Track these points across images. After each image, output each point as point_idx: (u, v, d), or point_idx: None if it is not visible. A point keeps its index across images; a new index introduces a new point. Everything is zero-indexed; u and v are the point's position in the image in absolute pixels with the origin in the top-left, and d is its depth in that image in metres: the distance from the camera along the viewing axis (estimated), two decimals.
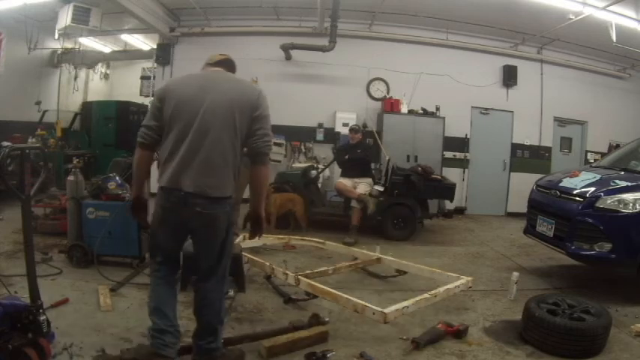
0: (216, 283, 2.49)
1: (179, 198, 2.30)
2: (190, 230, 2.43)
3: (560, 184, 4.58)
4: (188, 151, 2.29)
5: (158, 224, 2.44)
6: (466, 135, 8.94)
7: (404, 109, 8.26)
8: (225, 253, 2.48)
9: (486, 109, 9.08)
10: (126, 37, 10.40)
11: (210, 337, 2.49)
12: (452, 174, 8.15)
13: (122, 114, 9.57)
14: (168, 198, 2.34)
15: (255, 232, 2.62)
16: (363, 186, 6.38)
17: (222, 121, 2.32)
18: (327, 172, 7.86)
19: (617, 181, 4.25)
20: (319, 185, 7.53)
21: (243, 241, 4.69)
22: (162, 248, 2.49)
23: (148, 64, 9.88)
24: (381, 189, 6.47)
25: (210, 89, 2.37)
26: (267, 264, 3.97)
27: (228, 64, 2.58)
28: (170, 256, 2.51)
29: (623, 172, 4.55)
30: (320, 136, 8.71)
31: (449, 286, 3.53)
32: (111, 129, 9.37)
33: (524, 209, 5.38)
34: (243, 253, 4.06)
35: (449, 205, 7.98)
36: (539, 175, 5.77)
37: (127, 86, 11.01)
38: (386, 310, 2.92)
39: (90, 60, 10.14)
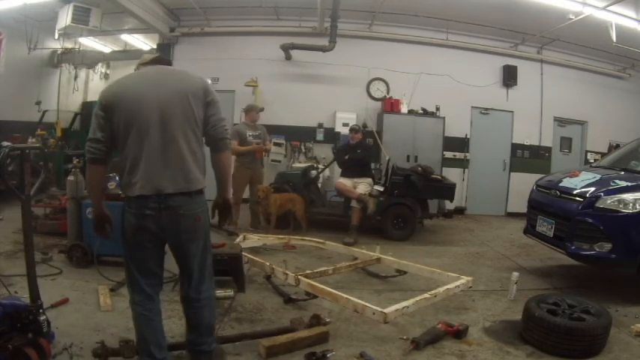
0: (208, 282, 2.47)
1: (159, 202, 2.18)
2: (171, 236, 2.27)
3: (560, 184, 4.58)
4: (154, 151, 2.18)
5: (133, 237, 2.26)
6: (466, 135, 8.94)
7: (404, 109, 8.26)
8: (209, 250, 2.46)
9: (486, 109, 9.07)
10: (126, 37, 10.40)
11: (210, 338, 2.49)
12: (452, 174, 8.14)
13: None
14: (146, 205, 2.18)
15: (225, 218, 2.55)
16: (363, 186, 6.38)
17: (181, 111, 2.22)
18: (327, 172, 7.86)
19: (617, 181, 4.25)
20: (319, 185, 7.53)
21: (243, 241, 4.70)
22: (142, 262, 2.30)
23: None
24: (381, 189, 6.47)
25: (160, 83, 2.26)
26: (267, 264, 3.97)
27: (163, 61, 2.48)
28: (151, 270, 2.34)
29: (623, 172, 4.55)
30: (320, 136, 8.70)
31: (449, 286, 3.54)
32: None
33: (524, 209, 5.38)
34: (243, 253, 4.07)
35: (449, 205, 7.98)
36: (539, 175, 5.76)
37: None
38: (386, 310, 2.92)
39: (90, 60, 10.12)
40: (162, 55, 2.53)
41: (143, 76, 2.35)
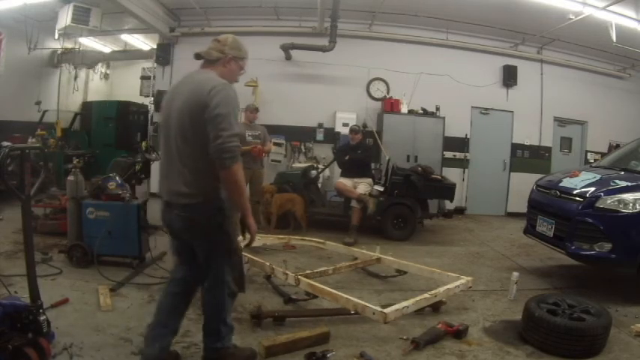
0: (210, 285, 2.49)
1: (164, 203, 2.45)
2: (175, 231, 2.49)
3: (560, 184, 4.58)
4: (163, 161, 2.45)
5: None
6: (466, 135, 8.94)
7: (404, 109, 8.26)
8: (214, 256, 2.41)
9: (486, 109, 9.07)
10: (126, 37, 10.40)
11: (212, 337, 2.52)
12: (452, 174, 8.14)
13: (122, 114, 9.61)
14: (161, 202, 2.49)
15: (242, 232, 2.45)
16: (363, 186, 6.38)
17: (176, 128, 2.29)
18: (327, 172, 7.86)
19: (617, 181, 4.25)
20: (319, 185, 7.53)
21: (243, 241, 4.69)
22: (174, 246, 2.61)
23: (148, 64, 9.89)
24: (381, 189, 6.47)
25: (176, 95, 2.36)
26: (267, 264, 3.97)
27: (201, 57, 2.50)
28: (181, 255, 2.58)
29: (623, 172, 4.55)
30: (320, 136, 8.70)
31: (449, 286, 3.54)
32: (111, 129, 9.39)
33: (524, 209, 5.38)
34: (243, 253, 4.06)
35: (449, 205, 7.96)
36: (539, 175, 5.76)
37: (127, 86, 11.03)
38: (386, 310, 2.92)
39: (90, 60, 10.15)
40: (201, 52, 2.47)
41: (176, 85, 2.50)
